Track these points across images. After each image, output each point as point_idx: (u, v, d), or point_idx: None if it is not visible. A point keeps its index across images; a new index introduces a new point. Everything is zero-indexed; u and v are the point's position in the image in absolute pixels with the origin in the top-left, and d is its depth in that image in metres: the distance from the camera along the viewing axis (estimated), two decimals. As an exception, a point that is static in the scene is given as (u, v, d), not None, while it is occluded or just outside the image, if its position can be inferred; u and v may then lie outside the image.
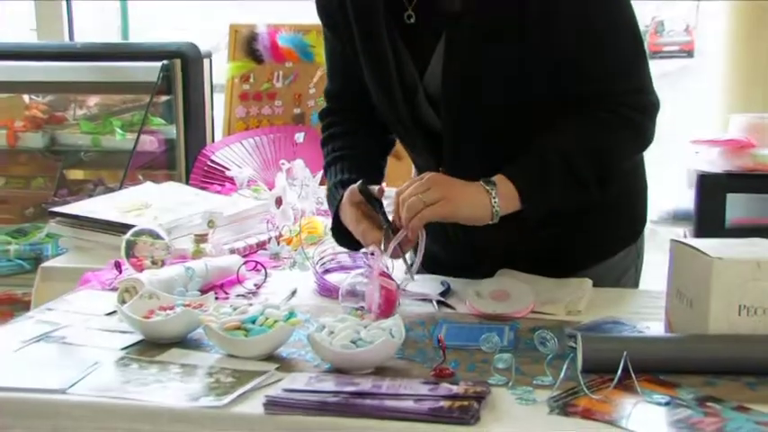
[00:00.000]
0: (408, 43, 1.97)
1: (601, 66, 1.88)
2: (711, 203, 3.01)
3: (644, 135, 1.94)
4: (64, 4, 4.36)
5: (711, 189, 3.02)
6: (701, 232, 2.96)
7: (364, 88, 2.08)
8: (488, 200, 1.79)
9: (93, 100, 4.13)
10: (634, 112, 1.90)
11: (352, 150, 2.11)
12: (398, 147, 2.23)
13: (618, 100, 1.88)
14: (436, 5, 1.86)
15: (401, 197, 1.80)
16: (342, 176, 2.06)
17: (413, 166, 2.25)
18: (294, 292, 2.04)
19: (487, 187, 1.80)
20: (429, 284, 1.95)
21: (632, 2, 1.90)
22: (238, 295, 2.07)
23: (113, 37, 5.61)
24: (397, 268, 1.99)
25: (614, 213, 2.05)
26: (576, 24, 1.84)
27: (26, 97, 4.13)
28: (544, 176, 1.84)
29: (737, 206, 3.03)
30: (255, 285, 2.11)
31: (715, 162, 3.03)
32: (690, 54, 18.15)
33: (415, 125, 2.04)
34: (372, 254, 1.95)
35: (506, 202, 1.81)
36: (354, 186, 1.95)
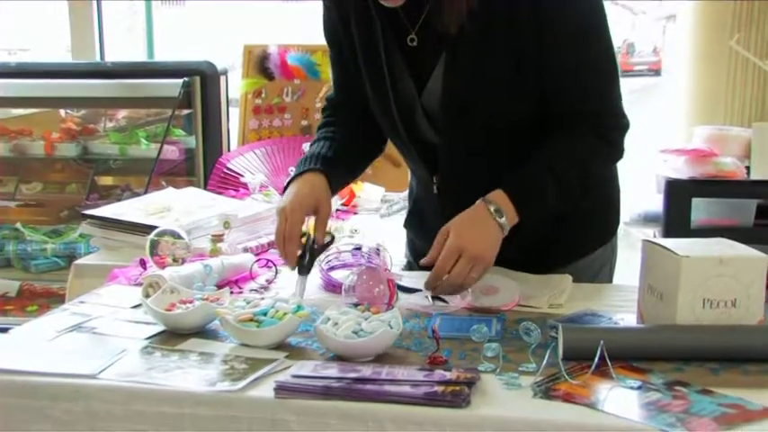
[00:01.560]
0: (409, 62, 1.95)
1: (583, 90, 1.88)
2: (678, 207, 3.01)
3: (617, 151, 1.95)
4: (96, 25, 4.36)
5: (678, 194, 3.02)
6: (668, 233, 2.96)
7: (365, 100, 2.06)
8: (499, 230, 1.80)
9: (121, 113, 4.13)
10: (610, 132, 1.92)
11: (338, 137, 2.09)
12: (397, 154, 2.21)
13: (597, 122, 1.89)
14: (442, 22, 1.84)
15: (440, 276, 1.80)
16: (322, 151, 2.03)
17: (409, 173, 2.23)
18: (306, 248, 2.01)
19: (499, 220, 1.79)
20: (425, 281, 1.94)
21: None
22: (251, 290, 2.06)
23: (140, 56, 5.62)
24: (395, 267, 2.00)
25: (592, 217, 2.04)
26: (563, 52, 1.84)
27: (62, 112, 4.14)
28: (539, 192, 1.85)
29: (701, 209, 3.04)
30: (267, 281, 2.11)
31: (681, 169, 3.03)
32: (657, 73, 18.23)
33: (411, 138, 2.02)
34: (378, 252, 1.95)
35: (511, 221, 1.81)
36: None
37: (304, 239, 1.96)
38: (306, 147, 3.35)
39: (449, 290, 1.82)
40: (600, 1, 1.89)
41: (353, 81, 2.06)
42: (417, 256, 2.13)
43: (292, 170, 2.68)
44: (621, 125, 1.93)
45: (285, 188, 2.00)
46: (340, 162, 2.04)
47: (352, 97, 2.10)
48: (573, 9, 1.84)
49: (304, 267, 1.93)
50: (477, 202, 1.81)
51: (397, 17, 1.91)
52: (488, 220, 1.79)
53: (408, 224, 2.28)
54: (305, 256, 1.97)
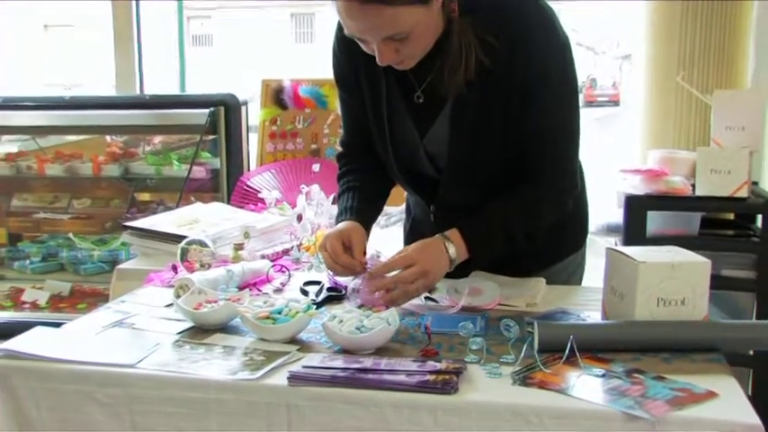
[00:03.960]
0: (414, 112, 1.94)
1: (550, 152, 1.88)
2: (635, 219, 3.00)
3: (563, 210, 1.96)
4: (136, 64, 4.37)
5: (635, 207, 3.01)
6: (628, 241, 2.95)
7: (372, 140, 2.05)
8: (449, 261, 1.80)
9: (157, 139, 4.14)
10: (562, 195, 1.94)
11: (359, 185, 2.07)
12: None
13: (553, 182, 1.91)
14: (441, 88, 1.84)
15: (390, 268, 1.80)
16: (349, 203, 2.03)
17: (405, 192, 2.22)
18: (322, 288, 2.02)
19: (450, 254, 1.80)
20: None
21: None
22: (268, 291, 2.04)
23: (173, 89, 5.62)
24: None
25: (564, 230, 2.03)
26: (541, 119, 1.84)
27: (107, 138, 4.14)
28: (489, 238, 1.86)
29: (655, 221, 3.03)
30: (281, 284, 2.10)
31: (638, 186, 3.03)
32: (616, 103, 18.31)
33: (410, 176, 2.03)
34: (378, 258, 1.94)
35: (460, 258, 1.82)
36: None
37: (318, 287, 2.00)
38: (316, 167, 3.37)
39: (397, 296, 1.79)
40: (575, 70, 1.88)
41: (364, 123, 2.04)
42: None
43: (303, 187, 2.68)
44: (572, 186, 1.96)
45: None
46: (367, 208, 2.05)
47: (364, 138, 2.07)
48: (556, 80, 1.83)
49: (316, 303, 1.90)
50: (437, 236, 1.83)
51: (405, 74, 1.89)
52: (442, 252, 1.79)
53: (408, 240, 2.27)
54: (319, 293, 1.97)
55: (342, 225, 1.95)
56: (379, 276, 1.80)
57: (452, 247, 1.80)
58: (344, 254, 1.88)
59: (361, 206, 2.02)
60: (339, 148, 2.20)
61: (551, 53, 1.82)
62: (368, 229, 2.00)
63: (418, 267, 1.76)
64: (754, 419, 1.31)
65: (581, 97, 2.09)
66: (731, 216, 3.28)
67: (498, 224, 1.86)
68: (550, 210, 1.92)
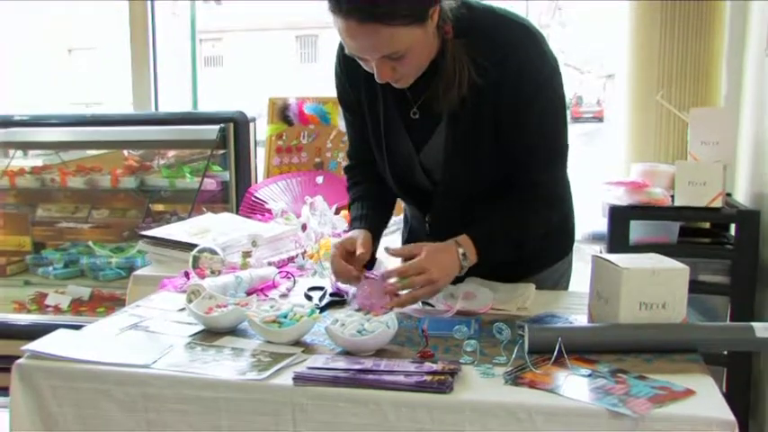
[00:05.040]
0: (410, 127, 1.94)
1: (538, 162, 1.88)
2: (619, 228, 3.00)
3: (552, 221, 1.97)
4: (152, 83, 4.38)
5: (619, 217, 3.01)
6: (612, 249, 2.95)
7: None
8: (459, 263, 1.80)
9: (171, 153, 4.13)
10: (551, 206, 1.94)
11: (367, 194, 2.08)
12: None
13: (546, 192, 1.91)
14: (436, 105, 1.83)
15: (401, 273, 1.78)
16: (361, 212, 2.03)
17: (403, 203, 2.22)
18: (325, 293, 2.01)
19: (463, 262, 1.80)
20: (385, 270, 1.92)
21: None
22: (275, 297, 2.03)
23: (186, 107, 5.63)
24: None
25: (553, 237, 2.02)
26: (533, 132, 1.84)
27: (125, 152, 4.14)
28: (495, 244, 1.86)
29: (637, 230, 3.04)
30: (287, 289, 2.09)
31: (621, 197, 3.03)
32: (601, 119, 18.32)
33: (407, 187, 2.02)
34: (377, 261, 1.94)
35: (470, 263, 1.81)
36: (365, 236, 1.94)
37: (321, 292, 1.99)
38: (319, 180, 3.37)
39: (405, 301, 1.79)
40: (563, 89, 1.88)
41: (366, 138, 2.03)
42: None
43: (308, 198, 2.68)
44: (561, 198, 1.97)
45: None
46: (376, 215, 2.04)
47: (368, 153, 2.06)
48: (545, 100, 1.83)
49: (319, 307, 1.89)
50: (450, 241, 1.81)
51: (403, 92, 1.89)
52: (455, 260, 1.79)
53: None
54: (323, 298, 1.97)
55: (351, 233, 1.96)
56: (389, 278, 1.79)
57: (465, 253, 1.80)
58: (341, 260, 1.87)
59: (370, 214, 2.03)
60: (347, 161, 2.20)
61: (541, 74, 1.81)
62: (377, 234, 2.01)
63: (427, 276, 1.75)
64: (729, 416, 1.32)
65: (569, 114, 2.10)
66: (707, 225, 3.28)
67: (501, 231, 1.86)
68: (541, 220, 1.92)
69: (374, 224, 2.01)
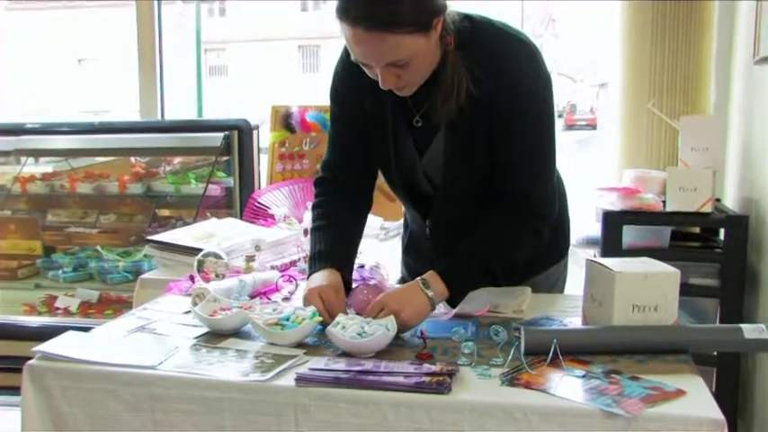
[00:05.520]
0: (412, 134, 1.93)
1: (528, 177, 1.86)
2: (612, 232, 3.00)
3: (541, 238, 1.91)
4: (158, 92, 4.37)
5: (612, 222, 3.01)
6: (605, 253, 2.95)
7: (361, 159, 2.00)
8: (428, 300, 1.73)
9: (176, 160, 4.12)
10: (539, 223, 1.89)
11: (331, 224, 1.98)
12: (391, 192, 2.17)
13: (530, 212, 1.87)
14: (437, 114, 1.82)
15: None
16: (319, 247, 1.93)
17: (403, 206, 2.21)
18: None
19: (428, 292, 1.73)
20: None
21: (554, 88, 1.88)
22: (277, 300, 2.03)
23: (191, 115, 5.63)
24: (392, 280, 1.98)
25: (549, 242, 2.01)
26: (519, 141, 1.82)
27: (132, 159, 4.13)
28: (466, 273, 1.81)
29: (630, 234, 3.03)
30: (289, 293, 2.09)
31: (614, 203, 3.03)
32: (594, 127, 18.29)
33: (409, 191, 2.00)
34: (377, 268, 1.93)
35: (440, 296, 1.76)
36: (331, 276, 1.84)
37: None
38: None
39: None
40: (553, 102, 1.87)
41: (354, 139, 1.99)
42: (411, 273, 2.14)
43: (309, 204, 2.67)
44: (549, 214, 1.91)
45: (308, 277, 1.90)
46: (341, 249, 1.94)
47: (349, 157, 2.01)
48: (536, 112, 1.82)
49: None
50: (414, 281, 1.77)
51: (405, 101, 1.88)
52: (417, 291, 1.74)
53: (406, 251, 2.26)
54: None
55: (327, 279, 1.83)
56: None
57: (430, 288, 1.74)
58: (325, 311, 1.75)
59: (334, 250, 1.92)
60: (319, 173, 2.11)
61: (534, 88, 1.81)
62: (346, 270, 1.91)
63: (387, 310, 1.69)
64: (719, 415, 1.33)
65: (563, 122, 2.10)
66: (697, 229, 3.28)
67: (475, 260, 1.82)
68: (527, 240, 1.89)
69: (339, 260, 1.90)
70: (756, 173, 3.00)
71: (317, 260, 1.90)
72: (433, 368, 1.48)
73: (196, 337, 1.73)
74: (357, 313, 1.75)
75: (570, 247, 2.20)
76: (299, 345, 1.65)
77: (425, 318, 1.75)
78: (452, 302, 1.80)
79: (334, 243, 1.94)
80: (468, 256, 1.82)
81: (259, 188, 3.76)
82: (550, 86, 1.85)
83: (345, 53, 1.92)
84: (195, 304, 1.80)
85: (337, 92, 2.01)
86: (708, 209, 2.96)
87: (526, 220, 1.87)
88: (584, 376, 1.47)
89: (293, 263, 2.46)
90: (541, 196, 1.89)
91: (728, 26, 3.43)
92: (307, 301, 1.78)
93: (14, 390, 1.63)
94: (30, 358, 1.62)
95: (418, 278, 1.77)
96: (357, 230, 2.04)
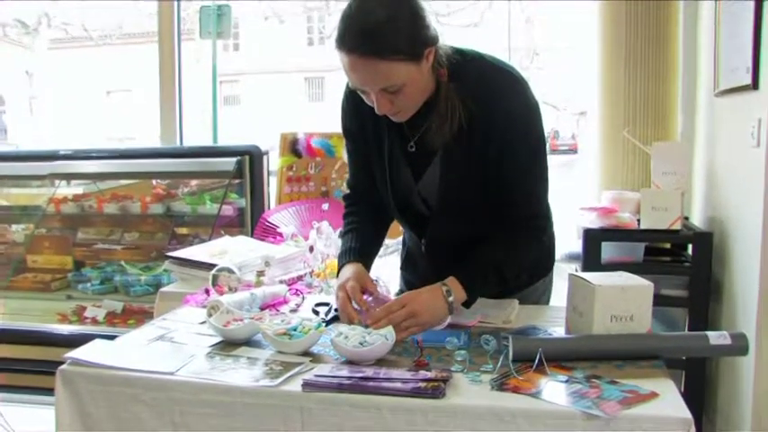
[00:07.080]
0: (408, 159, 1.92)
1: (524, 196, 1.86)
2: (592, 248, 3.00)
3: (540, 246, 1.94)
4: (177, 120, 4.38)
5: (592, 239, 3.01)
6: (586, 268, 2.95)
7: (373, 182, 2.02)
8: (446, 305, 1.74)
9: (193, 182, 4.13)
10: (541, 233, 1.92)
11: (360, 227, 2.04)
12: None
13: (530, 224, 1.87)
14: (432, 139, 1.82)
15: (384, 321, 1.69)
16: (352, 244, 1.99)
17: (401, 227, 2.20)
18: (330, 309, 1.99)
19: (449, 299, 1.74)
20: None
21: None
22: (285, 311, 2.02)
23: (207, 141, 5.64)
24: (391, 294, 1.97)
25: (535, 260, 2.00)
26: (518, 168, 1.82)
27: (153, 181, 4.15)
28: (483, 280, 1.82)
29: (608, 250, 3.04)
30: (296, 305, 2.08)
31: (594, 221, 3.04)
32: (575, 151, 18.38)
33: (406, 213, 2.00)
34: (377, 281, 1.92)
35: (458, 301, 1.77)
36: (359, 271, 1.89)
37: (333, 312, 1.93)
38: (325, 206, 3.35)
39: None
40: (543, 128, 1.87)
41: (366, 169, 2.02)
42: (409, 287, 2.14)
43: (315, 223, 2.66)
44: (546, 226, 1.95)
45: (338, 274, 1.95)
46: (368, 247, 2.01)
47: (366, 182, 2.04)
48: (528, 139, 1.82)
49: (325, 321, 1.87)
50: (437, 283, 1.77)
51: (402, 127, 1.88)
52: (439, 296, 1.74)
53: (404, 267, 2.25)
54: (328, 313, 1.95)
55: (353, 270, 1.89)
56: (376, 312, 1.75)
57: (450, 291, 1.74)
58: (348, 304, 1.80)
59: (363, 247, 1.99)
60: (346, 190, 2.18)
61: (524, 116, 1.81)
62: (369, 265, 1.98)
63: (406, 309, 1.70)
64: (687, 415, 1.33)
65: (548, 147, 2.09)
66: (668, 245, 3.28)
67: (490, 267, 1.82)
68: (530, 247, 1.90)
69: (366, 257, 1.97)
70: (719, 194, 3.03)
71: (345, 255, 1.97)
72: (429, 375, 1.47)
73: (211, 346, 1.72)
74: (365, 326, 1.72)
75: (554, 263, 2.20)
76: (306, 353, 1.64)
77: (440, 323, 1.77)
78: (466, 305, 1.81)
79: (358, 242, 2.00)
80: (485, 265, 1.82)
81: (269, 209, 3.76)
82: (539, 112, 1.85)
83: (348, 87, 1.93)
84: (210, 315, 1.80)
85: (345, 127, 2.04)
86: (677, 226, 2.97)
87: (529, 232, 1.88)
88: (566, 381, 1.46)
89: (300, 277, 2.45)
90: (540, 210, 1.90)
91: (693, 63, 3.48)
92: (336, 291, 1.87)
93: (49, 390, 1.64)
94: (62, 363, 1.63)
95: (440, 284, 1.76)
96: (378, 232, 2.10)
